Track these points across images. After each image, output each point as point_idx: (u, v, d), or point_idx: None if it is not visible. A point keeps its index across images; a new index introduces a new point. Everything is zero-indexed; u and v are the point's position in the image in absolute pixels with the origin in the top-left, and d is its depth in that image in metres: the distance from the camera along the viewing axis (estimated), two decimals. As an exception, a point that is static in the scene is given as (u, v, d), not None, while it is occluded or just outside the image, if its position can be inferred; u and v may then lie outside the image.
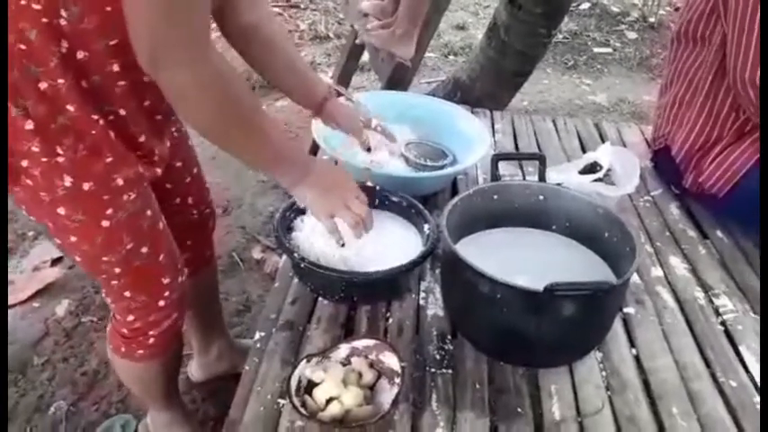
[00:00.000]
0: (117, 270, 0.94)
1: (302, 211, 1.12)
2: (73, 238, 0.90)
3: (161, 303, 1.01)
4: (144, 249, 0.95)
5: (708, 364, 0.99)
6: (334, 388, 0.83)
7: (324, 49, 3.71)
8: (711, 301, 1.12)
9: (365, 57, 2.20)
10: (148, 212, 0.95)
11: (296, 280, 1.09)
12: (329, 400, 0.82)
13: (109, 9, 0.77)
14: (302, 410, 0.80)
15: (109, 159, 0.86)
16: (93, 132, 0.84)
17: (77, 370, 1.56)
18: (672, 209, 1.42)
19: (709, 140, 1.36)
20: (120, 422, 1.40)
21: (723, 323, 1.07)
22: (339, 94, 1.21)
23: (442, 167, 1.35)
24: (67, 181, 0.84)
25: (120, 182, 0.88)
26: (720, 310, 1.10)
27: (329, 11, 4.10)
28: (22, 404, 1.48)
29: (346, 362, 0.89)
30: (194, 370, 1.51)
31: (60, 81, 0.79)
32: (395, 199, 1.17)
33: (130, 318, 1.02)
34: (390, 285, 1.06)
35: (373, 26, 1.83)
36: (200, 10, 0.73)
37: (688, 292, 1.14)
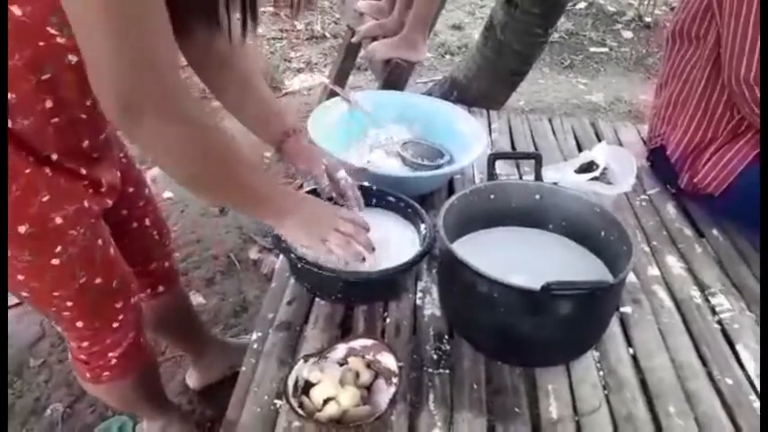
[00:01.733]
0: (69, 303, 0.91)
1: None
2: (20, 277, 0.86)
3: (115, 325, 0.99)
4: (98, 280, 0.92)
5: (704, 362, 0.99)
6: (331, 388, 0.83)
7: (320, 49, 3.71)
8: (708, 300, 1.13)
9: (362, 56, 2.20)
10: (99, 242, 0.92)
11: (293, 280, 1.09)
12: (326, 401, 0.82)
13: (42, 44, 0.72)
14: (299, 411, 0.79)
15: (45, 198, 0.81)
16: (27, 171, 0.78)
17: (73, 372, 1.55)
18: (668, 208, 1.42)
19: (705, 140, 1.36)
20: (117, 424, 1.39)
21: (719, 322, 1.08)
22: (299, 136, 1.11)
23: (438, 167, 1.35)
24: None
25: (58, 220, 0.83)
26: (717, 308, 1.10)
27: (325, 10, 4.10)
28: (18, 406, 1.47)
29: (343, 362, 0.89)
30: (192, 380, 1.51)
31: None
32: (391, 198, 1.16)
33: (86, 344, 1.00)
34: (387, 285, 1.06)
35: (369, 26, 1.84)
36: (162, 50, 0.66)
37: (684, 291, 1.14)
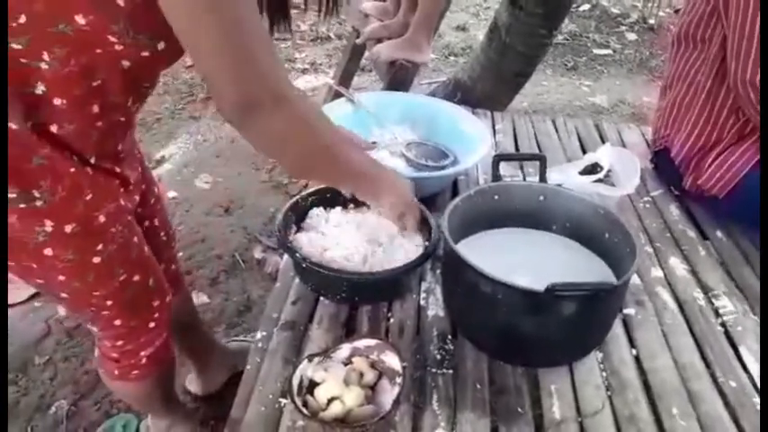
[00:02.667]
0: (109, 302, 0.93)
1: (305, 213, 1.12)
2: (61, 278, 0.86)
3: (151, 325, 1.01)
4: (136, 278, 0.94)
5: (707, 364, 0.99)
6: (335, 388, 0.83)
7: (325, 50, 3.72)
8: (711, 302, 1.13)
9: (366, 57, 2.20)
10: (135, 240, 0.94)
11: (297, 280, 1.10)
12: (330, 400, 0.82)
13: (99, 51, 0.73)
14: (304, 410, 0.80)
15: (89, 197, 0.83)
16: (72, 170, 0.80)
17: (78, 369, 1.57)
18: (672, 209, 1.42)
19: (709, 142, 1.36)
20: (122, 422, 1.40)
21: (723, 324, 1.08)
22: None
23: (442, 168, 1.35)
24: (48, 225, 0.80)
25: (101, 218, 0.85)
26: (720, 310, 1.10)
27: (330, 11, 4.10)
28: (23, 403, 1.48)
29: (348, 362, 0.89)
30: (194, 386, 1.51)
31: (28, 124, 0.75)
32: (396, 199, 1.17)
33: (120, 342, 1.01)
34: (392, 286, 1.06)
35: (374, 27, 1.84)
36: (267, 44, 0.73)
37: (688, 293, 1.14)
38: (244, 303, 1.82)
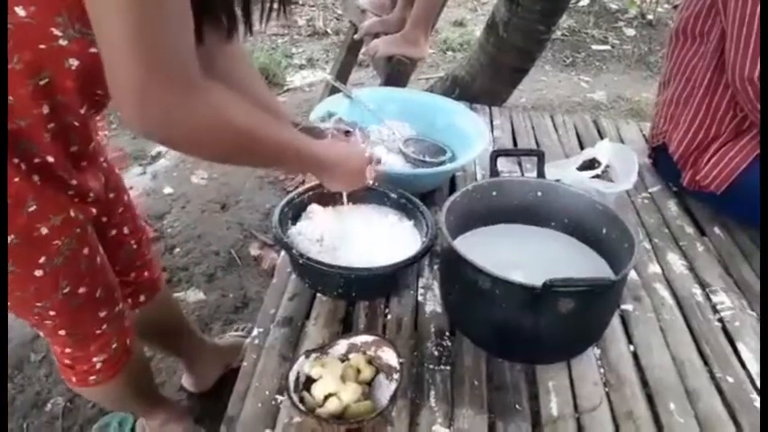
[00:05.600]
0: (51, 313, 0.90)
1: (301, 209, 1.12)
2: None
3: (98, 332, 0.98)
4: (81, 290, 0.90)
5: (705, 360, 0.99)
6: (332, 384, 0.83)
7: (322, 45, 3.71)
8: (709, 298, 1.13)
9: (363, 52, 2.20)
10: (85, 251, 0.89)
11: (294, 276, 1.09)
12: (327, 396, 0.82)
13: (43, 47, 0.70)
14: (300, 406, 0.79)
15: (32, 208, 0.78)
16: (17, 180, 0.76)
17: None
18: (670, 205, 1.42)
19: (707, 138, 1.36)
20: (117, 419, 1.39)
21: (720, 320, 1.08)
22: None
23: (440, 164, 1.35)
24: None
25: (44, 231, 0.81)
26: (718, 306, 1.10)
27: (327, 7, 4.09)
28: (18, 401, 1.47)
29: (345, 358, 0.89)
30: (188, 384, 1.50)
31: None
32: (393, 195, 1.16)
33: (68, 350, 0.98)
34: (389, 282, 1.06)
35: (371, 22, 1.84)
36: (183, 33, 0.64)
37: (686, 289, 1.14)
38: (241, 300, 1.81)
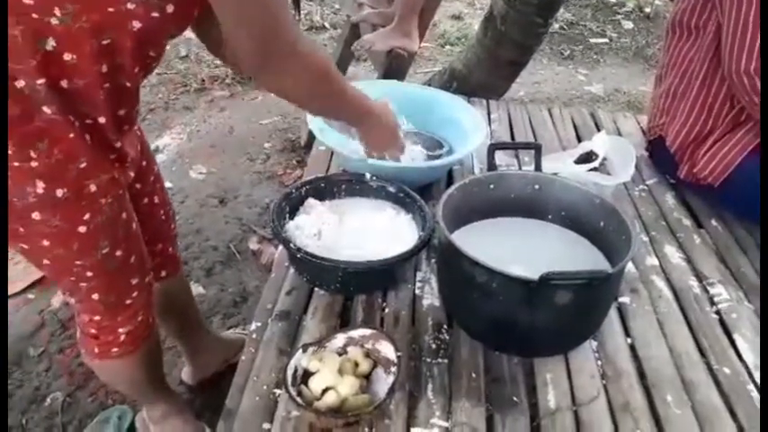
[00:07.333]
0: (89, 273, 0.93)
1: (299, 203, 1.12)
2: (45, 243, 0.87)
3: (128, 302, 1.01)
4: (118, 253, 0.94)
5: (702, 352, 0.99)
6: (330, 377, 0.83)
7: (319, 40, 3.69)
8: (706, 290, 1.13)
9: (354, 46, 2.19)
10: (123, 215, 0.94)
11: (292, 270, 1.09)
12: (325, 390, 0.82)
13: (111, 10, 0.74)
14: (298, 400, 0.80)
15: (83, 165, 0.83)
16: (71, 136, 0.81)
17: (73, 361, 1.56)
18: (667, 198, 1.42)
19: (704, 131, 1.36)
20: (117, 413, 1.40)
21: (718, 312, 1.08)
22: None
23: (438, 157, 1.35)
24: (40, 187, 0.81)
25: (92, 188, 0.86)
26: (715, 298, 1.11)
27: (324, 1, 4.08)
28: (18, 396, 1.48)
29: (342, 351, 0.89)
30: (187, 375, 1.51)
31: (39, 81, 0.75)
32: (391, 189, 1.16)
33: (97, 317, 1.01)
34: (386, 275, 1.06)
35: (369, 12, 1.83)
36: (285, 5, 0.82)
37: (683, 281, 1.14)
38: (239, 294, 1.81)
